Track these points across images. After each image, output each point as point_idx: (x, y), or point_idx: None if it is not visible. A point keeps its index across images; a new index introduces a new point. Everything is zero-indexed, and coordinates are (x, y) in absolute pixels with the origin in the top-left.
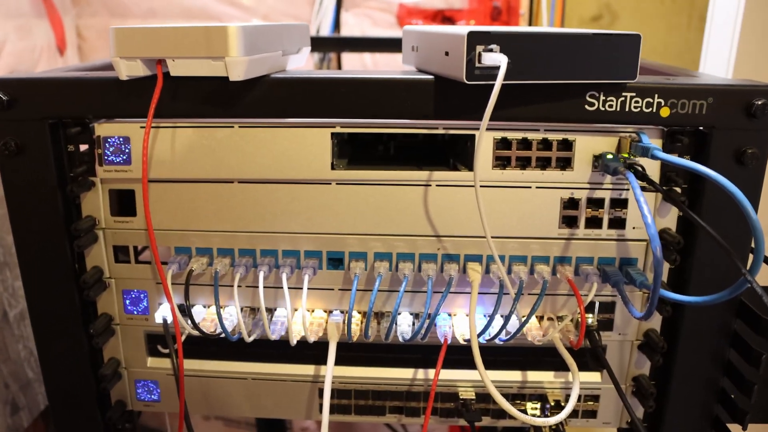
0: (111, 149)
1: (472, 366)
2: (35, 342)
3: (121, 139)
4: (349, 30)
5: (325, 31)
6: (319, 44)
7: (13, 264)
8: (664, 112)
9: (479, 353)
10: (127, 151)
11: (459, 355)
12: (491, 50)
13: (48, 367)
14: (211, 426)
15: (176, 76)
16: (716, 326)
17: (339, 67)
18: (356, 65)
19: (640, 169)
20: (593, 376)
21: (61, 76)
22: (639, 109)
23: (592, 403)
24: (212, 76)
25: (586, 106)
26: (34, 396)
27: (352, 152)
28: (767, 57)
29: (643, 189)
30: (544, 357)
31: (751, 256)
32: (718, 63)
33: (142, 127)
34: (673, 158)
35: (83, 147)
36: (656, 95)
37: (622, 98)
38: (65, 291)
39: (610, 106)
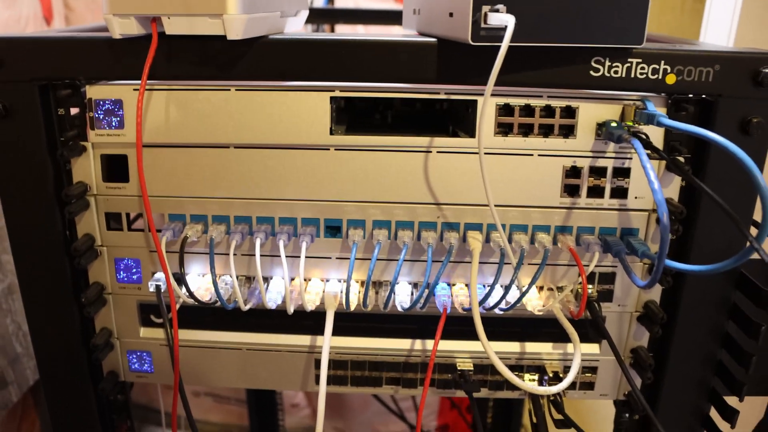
0: (103, 112)
1: (470, 337)
2: (25, 311)
3: (113, 102)
4: (343, 2)
5: (320, 2)
6: (312, 15)
7: (1, 237)
8: (670, 79)
9: (480, 322)
10: (119, 114)
11: (457, 326)
12: (497, 10)
13: (38, 337)
14: (202, 402)
15: (172, 35)
16: (716, 298)
17: None
18: None
19: (644, 137)
20: (592, 348)
21: (51, 36)
22: (645, 75)
23: (590, 374)
24: (209, 36)
25: (591, 72)
26: (23, 371)
27: (350, 120)
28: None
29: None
30: (543, 328)
31: (753, 229)
32: (717, 39)
33: (135, 90)
34: (681, 125)
35: (74, 110)
36: (662, 62)
37: (628, 64)
38: (56, 259)
39: (616, 72)
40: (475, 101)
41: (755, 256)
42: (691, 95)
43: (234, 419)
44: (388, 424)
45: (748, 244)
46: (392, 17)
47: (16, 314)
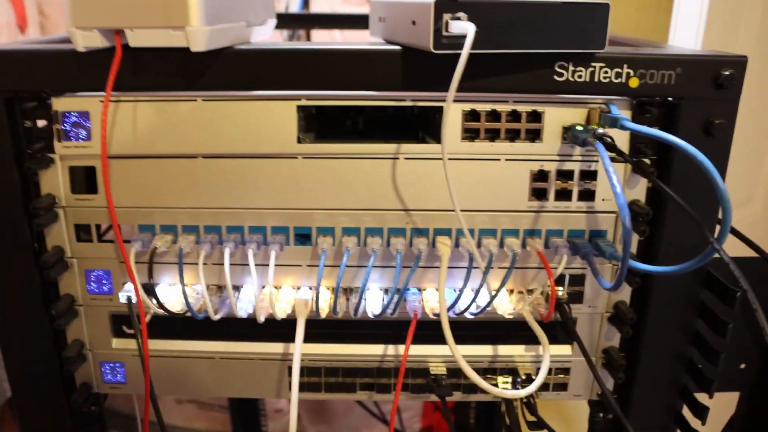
0: (70, 124)
1: (442, 341)
2: None
3: (80, 114)
4: (318, 7)
5: (295, 8)
6: (287, 21)
7: None
8: (633, 82)
9: (449, 327)
10: (87, 126)
11: (429, 331)
12: (458, 18)
13: (9, 350)
14: (185, 409)
15: (136, 47)
16: (684, 297)
17: None
18: None
19: (609, 140)
20: (564, 349)
21: (16, 48)
22: (608, 79)
23: (562, 376)
24: (173, 47)
25: (555, 77)
26: (0, 382)
27: (320, 127)
28: (734, 34)
29: (612, 160)
30: (515, 331)
31: (718, 227)
32: (685, 39)
33: (101, 102)
34: (642, 128)
35: (41, 123)
36: (625, 65)
37: (591, 68)
38: (25, 271)
39: (579, 76)
40: (442, 108)
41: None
42: (654, 98)
43: (218, 426)
44: (371, 428)
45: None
46: (368, 22)
47: None
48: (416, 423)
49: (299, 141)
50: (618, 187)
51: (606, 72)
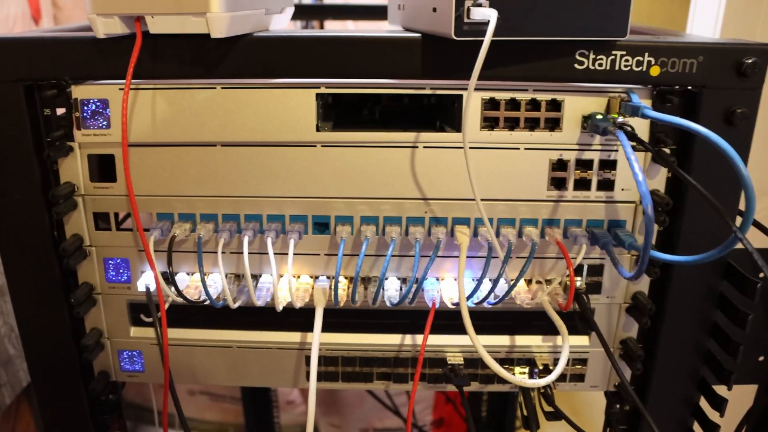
0: (89, 112)
1: (460, 331)
2: (14, 313)
3: (99, 102)
4: None
5: None
6: (302, 12)
7: None
8: (654, 71)
9: (468, 316)
10: (106, 114)
11: (447, 320)
12: (480, 5)
13: (28, 338)
14: (197, 401)
15: (156, 34)
16: (703, 288)
17: None
18: None
19: (629, 129)
20: (581, 340)
21: (35, 36)
22: (629, 67)
23: (580, 366)
24: (193, 34)
25: (576, 65)
26: (16, 372)
27: (337, 117)
28: (754, 24)
29: (633, 149)
30: (532, 321)
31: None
32: (704, 28)
33: (121, 89)
34: (664, 116)
35: (60, 111)
36: (646, 53)
37: (612, 57)
38: (44, 260)
39: (600, 64)
40: (461, 96)
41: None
42: (675, 87)
43: (230, 417)
44: (383, 420)
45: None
46: (381, 13)
47: (8, 316)
48: (428, 415)
49: (318, 129)
50: (640, 175)
51: (627, 60)
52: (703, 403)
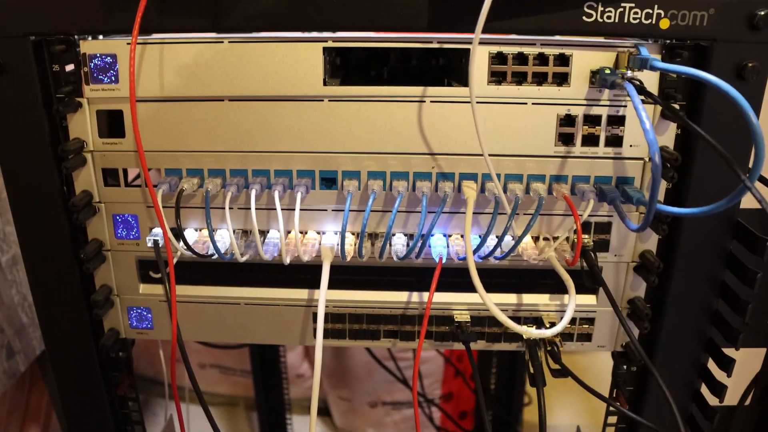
0: (97, 67)
1: (467, 289)
2: (26, 270)
3: (107, 57)
4: None
5: None
6: None
7: (3, 209)
8: (664, 23)
9: (476, 270)
10: (114, 69)
11: (454, 278)
12: None
13: (40, 294)
14: (207, 374)
15: None
16: (712, 247)
17: None
18: None
19: (638, 82)
20: (589, 299)
21: None
22: (638, 20)
23: (587, 326)
24: None
25: (584, 17)
26: (29, 341)
27: (344, 75)
28: None
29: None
30: (539, 279)
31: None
32: None
33: (128, 44)
34: (674, 66)
35: (69, 67)
36: (656, 6)
37: (621, 9)
38: (54, 215)
39: (609, 17)
40: (468, 51)
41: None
42: (685, 40)
43: (240, 390)
44: (392, 393)
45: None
46: None
47: (21, 285)
48: (437, 389)
49: (325, 84)
50: (647, 123)
51: (636, 13)
52: (711, 365)
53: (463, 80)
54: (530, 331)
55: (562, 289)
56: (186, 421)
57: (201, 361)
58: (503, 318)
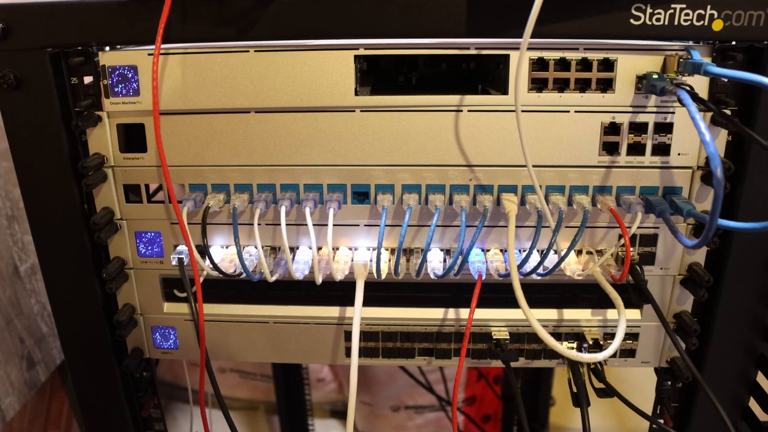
0: (117, 80)
1: (505, 304)
2: (46, 288)
3: (128, 69)
4: None
5: None
6: None
7: (22, 218)
8: (717, 25)
9: (520, 287)
10: (135, 81)
11: (492, 293)
12: None
13: (61, 315)
14: (228, 378)
15: None
16: (764, 258)
17: None
18: None
19: (689, 88)
20: (633, 314)
21: (61, 0)
22: (689, 22)
23: (631, 341)
24: None
25: (632, 20)
26: (49, 350)
27: (373, 84)
28: None
29: None
30: (581, 294)
31: None
32: None
33: (150, 55)
34: (730, 71)
35: (88, 79)
36: (708, 6)
37: (671, 10)
38: (75, 234)
39: (658, 19)
40: (507, 56)
41: None
42: (739, 43)
43: (260, 395)
44: (415, 397)
45: None
46: None
47: (40, 294)
48: (460, 393)
49: (357, 93)
50: (707, 135)
51: (687, 14)
52: (761, 379)
53: (499, 87)
54: (580, 356)
55: (604, 304)
56: (210, 427)
57: (221, 366)
58: (551, 341)
